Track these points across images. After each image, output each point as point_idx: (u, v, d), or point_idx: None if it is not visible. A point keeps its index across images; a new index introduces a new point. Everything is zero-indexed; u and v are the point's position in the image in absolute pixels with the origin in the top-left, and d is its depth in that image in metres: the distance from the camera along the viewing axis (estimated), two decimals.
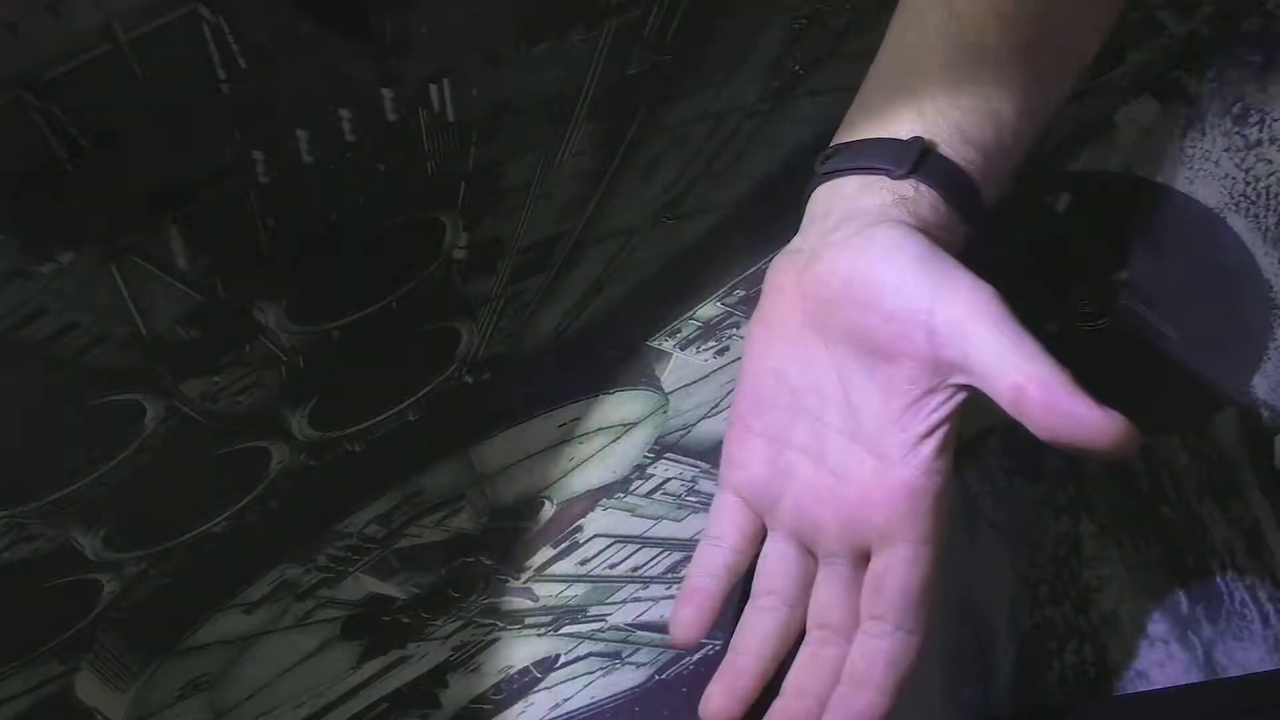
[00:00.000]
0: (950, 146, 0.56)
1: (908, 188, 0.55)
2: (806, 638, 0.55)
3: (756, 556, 0.57)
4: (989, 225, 0.58)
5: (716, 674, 0.55)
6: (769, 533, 0.56)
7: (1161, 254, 0.72)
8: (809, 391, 0.55)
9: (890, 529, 0.52)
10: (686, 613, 0.55)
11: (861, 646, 0.52)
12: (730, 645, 0.55)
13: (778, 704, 0.53)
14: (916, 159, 0.55)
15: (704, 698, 0.54)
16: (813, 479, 0.55)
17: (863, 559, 0.53)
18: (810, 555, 0.55)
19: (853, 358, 0.53)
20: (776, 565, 0.56)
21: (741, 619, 0.56)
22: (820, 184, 0.58)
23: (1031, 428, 0.49)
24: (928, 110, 0.57)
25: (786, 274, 0.56)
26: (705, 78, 0.70)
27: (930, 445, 0.51)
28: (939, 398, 0.51)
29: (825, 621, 0.54)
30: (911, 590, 0.51)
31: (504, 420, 0.69)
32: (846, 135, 0.59)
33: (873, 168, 0.56)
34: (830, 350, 0.54)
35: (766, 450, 0.56)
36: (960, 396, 0.51)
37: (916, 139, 0.56)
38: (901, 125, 0.57)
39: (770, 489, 0.56)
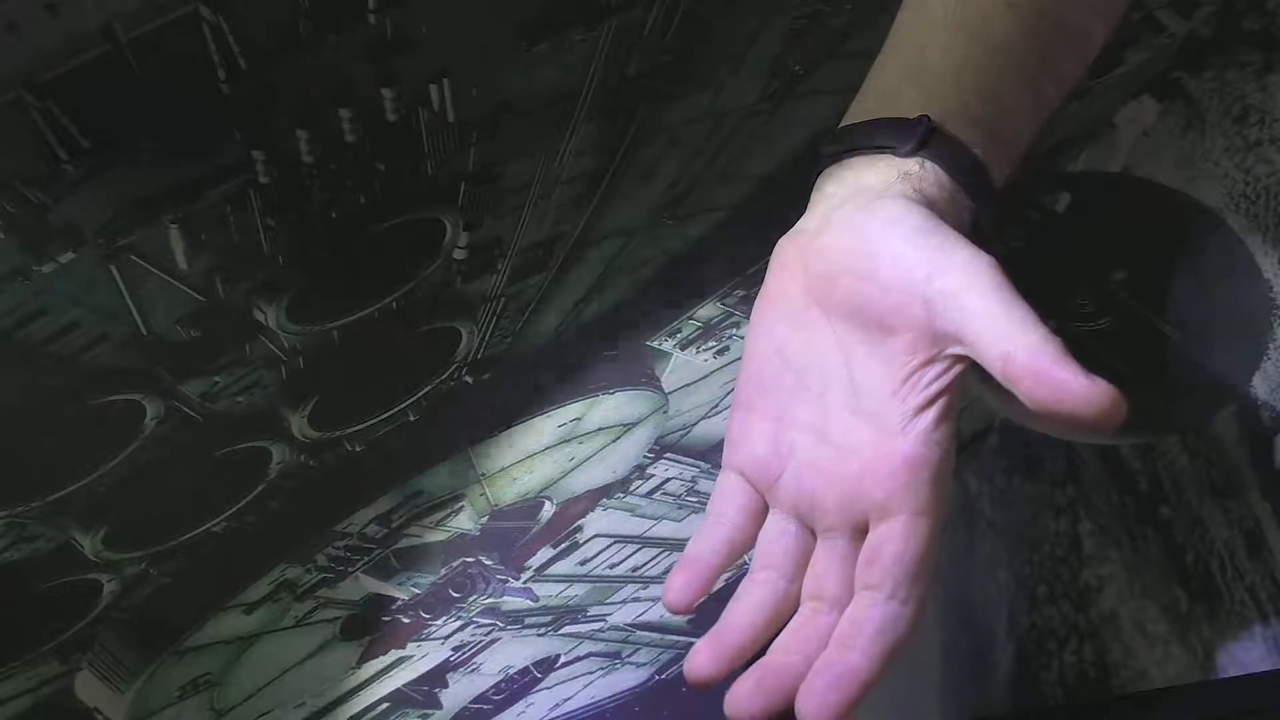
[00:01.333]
0: (956, 127, 0.56)
1: (913, 165, 0.55)
2: (800, 609, 0.55)
3: (757, 535, 0.57)
4: (996, 208, 0.58)
5: (706, 635, 0.54)
6: (770, 510, 0.57)
7: (1161, 254, 0.72)
8: (812, 369, 0.55)
9: (888, 501, 0.52)
10: (681, 579, 0.55)
11: (852, 613, 0.52)
12: (723, 614, 0.55)
13: (762, 660, 0.53)
14: (922, 137, 0.55)
15: (690, 654, 0.54)
16: (814, 455, 0.55)
17: (861, 534, 0.53)
18: (810, 532, 0.55)
19: (854, 331, 0.54)
20: (775, 541, 0.56)
21: (737, 591, 0.56)
22: (827, 165, 0.58)
23: (1020, 396, 0.49)
24: (934, 92, 0.57)
25: (790, 252, 0.56)
26: (705, 78, 0.70)
27: (929, 416, 0.51)
28: (937, 368, 0.52)
29: (820, 593, 0.54)
30: (907, 560, 0.51)
31: (504, 420, 0.69)
32: (853, 118, 0.59)
33: (878, 146, 0.56)
34: (832, 325, 0.54)
35: (769, 429, 0.56)
36: (958, 368, 0.52)
37: (923, 117, 0.56)
38: (907, 106, 0.57)
39: (772, 466, 0.56)
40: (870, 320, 0.53)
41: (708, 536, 0.56)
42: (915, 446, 0.51)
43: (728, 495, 0.57)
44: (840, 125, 0.59)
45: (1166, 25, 0.74)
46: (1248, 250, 0.72)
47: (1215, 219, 0.72)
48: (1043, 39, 0.59)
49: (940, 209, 0.54)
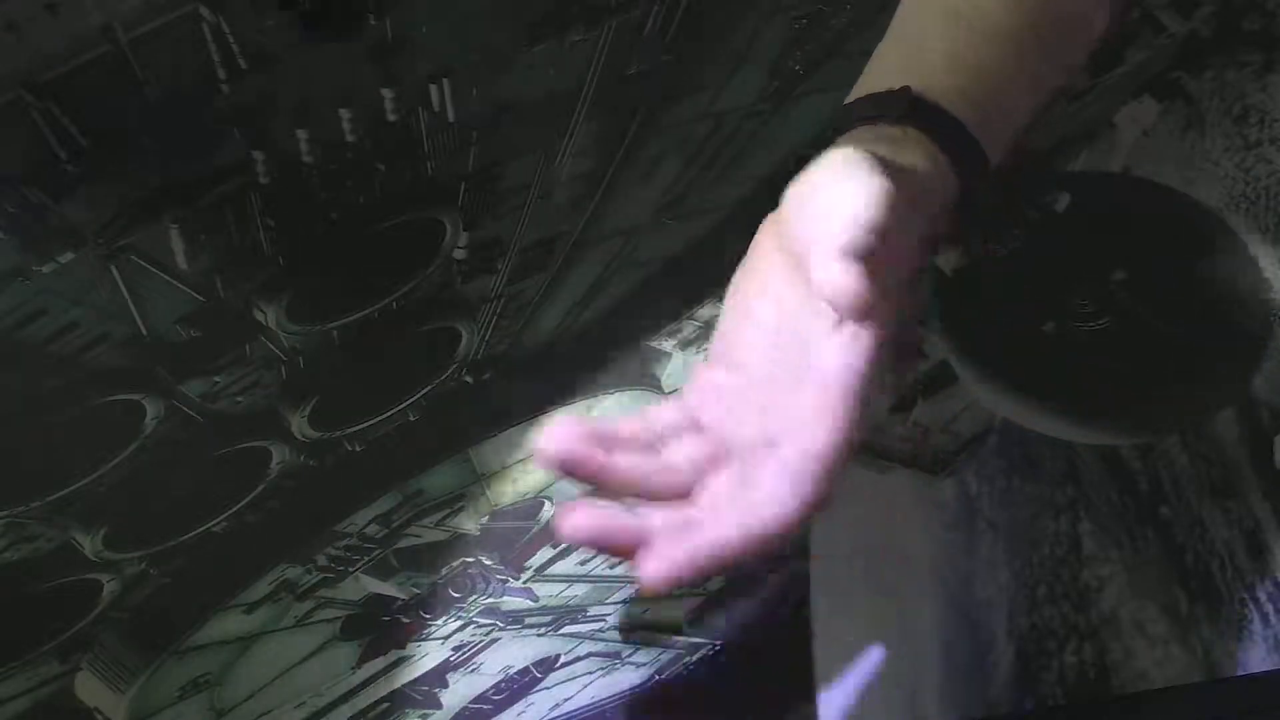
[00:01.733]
0: (947, 100, 0.57)
1: (896, 131, 0.56)
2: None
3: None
4: (991, 189, 0.58)
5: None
6: (696, 433, 0.55)
7: (1161, 254, 0.72)
8: (778, 329, 0.54)
9: (797, 413, 0.51)
10: (566, 426, 0.53)
11: (730, 490, 0.50)
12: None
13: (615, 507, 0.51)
14: (908, 104, 0.56)
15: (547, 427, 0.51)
16: (751, 390, 0.54)
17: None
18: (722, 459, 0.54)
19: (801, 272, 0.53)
20: (684, 449, 0.54)
21: None
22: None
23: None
24: (925, 71, 0.58)
25: (769, 219, 0.56)
26: (705, 78, 0.70)
27: (843, 335, 0.51)
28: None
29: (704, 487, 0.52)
30: (795, 463, 0.50)
31: (504, 420, 0.69)
32: (850, 98, 0.60)
33: (865, 117, 0.57)
34: (792, 276, 0.54)
35: (724, 376, 0.55)
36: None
37: (905, 88, 0.57)
38: (899, 84, 0.58)
39: (714, 400, 0.55)
40: (788, 241, 0.53)
41: (623, 419, 0.54)
42: (826, 360, 0.51)
43: (654, 410, 0.55)
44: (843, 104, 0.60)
45: (1166, 25, 0.74)
46: (1248, 250, 0.72)
47: (1215, 219, 0.72)
48: (1041, 27, 0.60)
49: (922, 178, 0.54)
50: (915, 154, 0.55)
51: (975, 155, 0.57)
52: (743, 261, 0.57)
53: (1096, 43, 0.63)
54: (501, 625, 0.67)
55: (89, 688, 0.64)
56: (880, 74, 0.60)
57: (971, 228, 0.57)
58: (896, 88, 0.57)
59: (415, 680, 0.66)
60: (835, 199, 0.51)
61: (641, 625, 0.67)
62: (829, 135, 0.58)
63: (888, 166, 0.53)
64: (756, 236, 0.57)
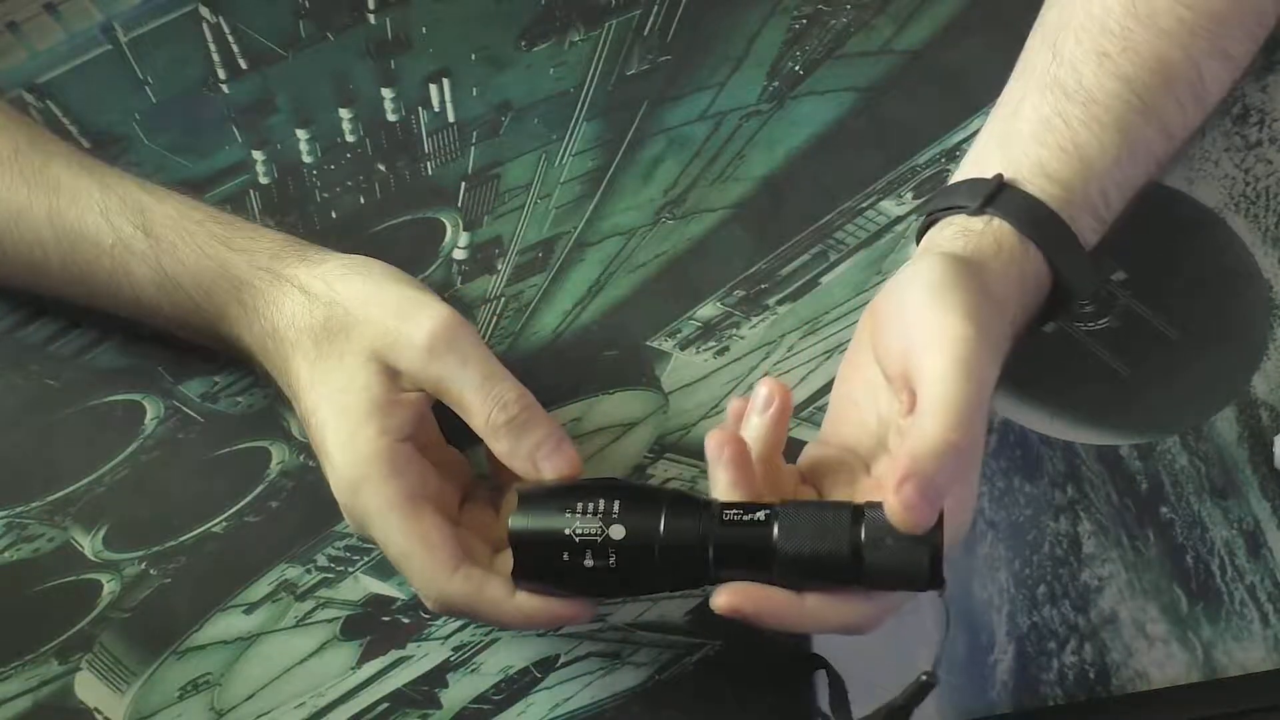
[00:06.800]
0: (1033, 182, 0.59)
1: (978, 222, 0.58)
2: None
3: None
4: (1090, 263, 0.60)
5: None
6: None
7: (1161, 254, 0.72)
8: (873, 414, 0.58)
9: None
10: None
11: None
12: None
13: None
14: (990, 194, 0.58)
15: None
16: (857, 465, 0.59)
17: None
18: None
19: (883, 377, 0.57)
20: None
21: None
22: (922, 224, 0.62)
23: (889, 503, 0.51)
24: (1014, 150, 0.60)
25: (867, 311, 0.59)
26: (705, 78, 0.70)
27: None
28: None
29: None
30: None
31: None
32: (952, 179, 0.63)
33: (952, 206, 0.60)
34: (876, 375, 0.57)
35: (835, 453, 0.59)
36: None
37: (997, 176, 0.59)
38: (990, 166, 0.60)
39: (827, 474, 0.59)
40: (879, 358, 0.57)
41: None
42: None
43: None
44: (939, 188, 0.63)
45: None
46: (1248, 250, 0.72)
47: (1215, 219, 0.72)
48: (1140, 88, 0.60)
49: (1000, 263, 0.57)
50: (989, 245, 0.58)
51: (1065, 237, 0.59)
52: (846, 351, 0.60)
53: (1217, 97, 0.63)
54: None
55: (89, 688, 0.64)
56: (977, 151, 0.62)
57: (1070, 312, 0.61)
58: (982, 176, 0.60)
59: (415, 680, 0.66)
60: (914, 338, 0.53)
61: (644, 625, 0.67)
62: (927, 217, 0.61)
63: (974, 299, 0.53)
64: (857, 329, 0.60)
